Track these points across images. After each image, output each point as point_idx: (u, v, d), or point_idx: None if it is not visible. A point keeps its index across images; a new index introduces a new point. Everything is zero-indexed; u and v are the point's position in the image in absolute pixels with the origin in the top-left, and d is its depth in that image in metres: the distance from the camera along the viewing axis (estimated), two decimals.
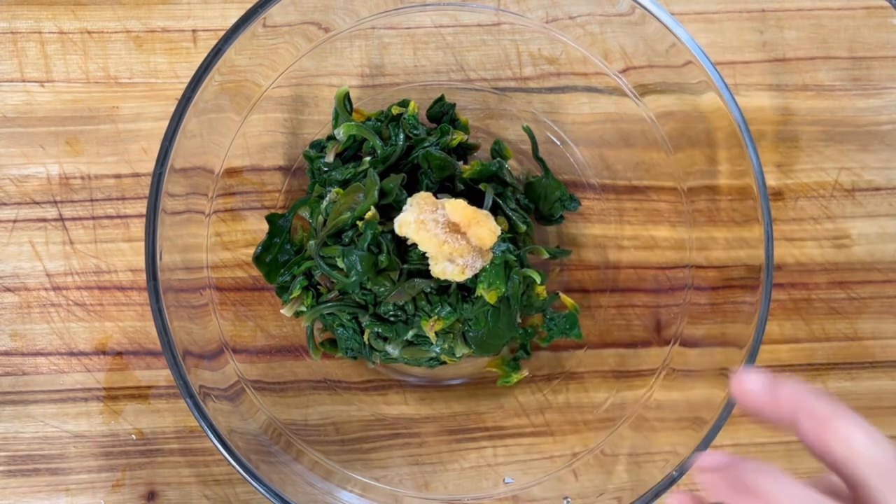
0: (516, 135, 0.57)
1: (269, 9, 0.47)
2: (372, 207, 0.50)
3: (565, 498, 0.52)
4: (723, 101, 0.48)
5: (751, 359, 0.47)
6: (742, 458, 0.36)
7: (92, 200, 0.56)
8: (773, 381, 0.35)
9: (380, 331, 0.52)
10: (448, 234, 0.48)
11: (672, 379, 0.53)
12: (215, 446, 0.45)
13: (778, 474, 0.33)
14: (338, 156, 0.54)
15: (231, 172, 0.54)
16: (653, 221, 0.56)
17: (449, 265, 0.48)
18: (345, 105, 0.54)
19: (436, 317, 0.51)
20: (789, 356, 0.59)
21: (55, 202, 0.56)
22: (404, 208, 0.49)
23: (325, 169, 0.54)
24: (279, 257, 0.55)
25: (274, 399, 0.53)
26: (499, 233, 0.49)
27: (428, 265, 0.51)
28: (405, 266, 0.51)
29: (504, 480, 0.54)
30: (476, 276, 0.51)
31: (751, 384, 0.36)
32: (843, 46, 0.60)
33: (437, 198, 0.50)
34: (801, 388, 0.35)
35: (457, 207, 0.48)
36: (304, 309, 0.53)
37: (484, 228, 0.48)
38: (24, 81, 0.56)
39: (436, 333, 0.51)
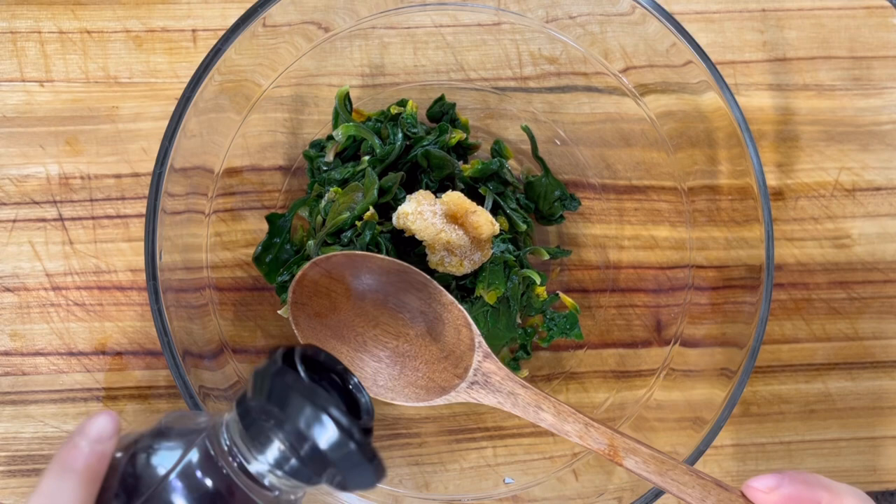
0: (516, 134, 0.57)
1: (268, 8, 0.47)
2: (371, 207, 0.50)
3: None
4: (723, 100, 0.48)
5: (751, 359, 0.47)
6: (794, 471, 0.39)
7: (91, 200, 0.56)
8: (779, 478, 0.39)
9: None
10: (445, 224, 0.48)
11: (672, 379, 0.53)
12: None
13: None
14: (337, 155, 0.54)
15: (231, 172, 0.54)
16: (653, 221, 0.56)
17: (447, 256, 0.48)
18: (345, 105, 0.54)
19: None
20: (790, 356, 0.59)
21: (55, 202, 0.56)
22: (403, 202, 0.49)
23: (325, 168, 0.54)
24: (279, 257, 0.54)
25: None
26: (497, 225, 0.49)
27: (428, 265, 0.51)
28: None
29: (504, 481, 0.54)
30: (475, 275, 0.51)
31: (759, 484, 0.39)
32: (844, 46, 0.60)
33: (436, 197, 0.50)
34: (804, 479, 0.39)
35: (454, 198, 0.48)
36: None
37: (481, 217, 0.48)
38: (23, 81, 0.56)
39: None
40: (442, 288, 0.46)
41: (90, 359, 0.55)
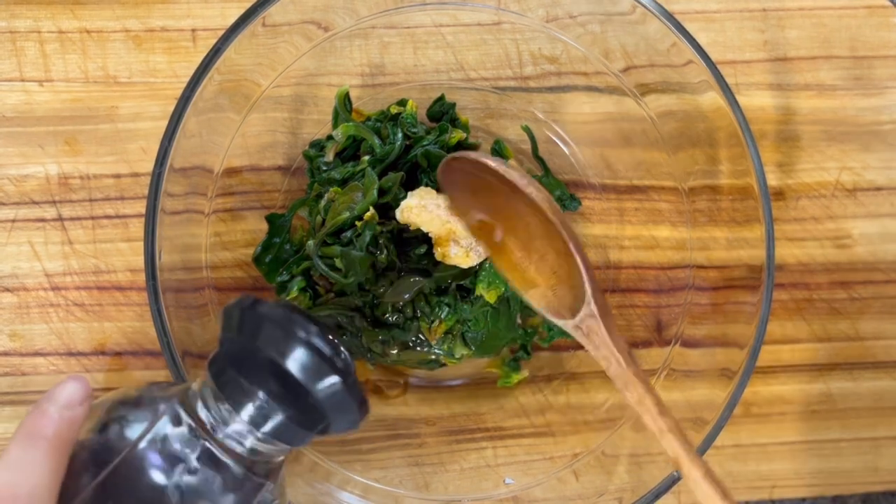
0: (516, 134, 0.57)
1: (268, 8, 0.47)
2: (371, 207, 0.50)
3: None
4: (724, 100, 0.48)
5: (752, 359, 0.47)
6: None
7: (91, 200, 0.56)
8: None
9: (379, 336, 0.52)
10: (450, 216, 0.48)
11: (673, 379, 0.52)
12: None
13: None
14: (337, 155, 0.54)
15: (230, 172, 0.54)
16: (654, 221, 0.56)
17: (453, 247, 0.48)
18: (345, 104, 0.54)
19: (437, 321, 0.51)
20: (790, 356, 0.59)
21: (54, 202, 0.56)
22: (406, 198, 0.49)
23: (325, 168, 0.54)
24: (279, 257, 0.54)
25: None
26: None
27: (428, 266, 0.51)
28: (405, 265, 0.51)
29: (504, 481, 0.54)
30: (476, 275, 0.51)
31: None
32: (845, 46, 0.60)
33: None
34: None
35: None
36: None
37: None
38: (22, 81, 0.56)
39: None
40: (572, 234, 0.46)
41: (89, 359, 0.55)
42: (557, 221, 0.46)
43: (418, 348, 0.53)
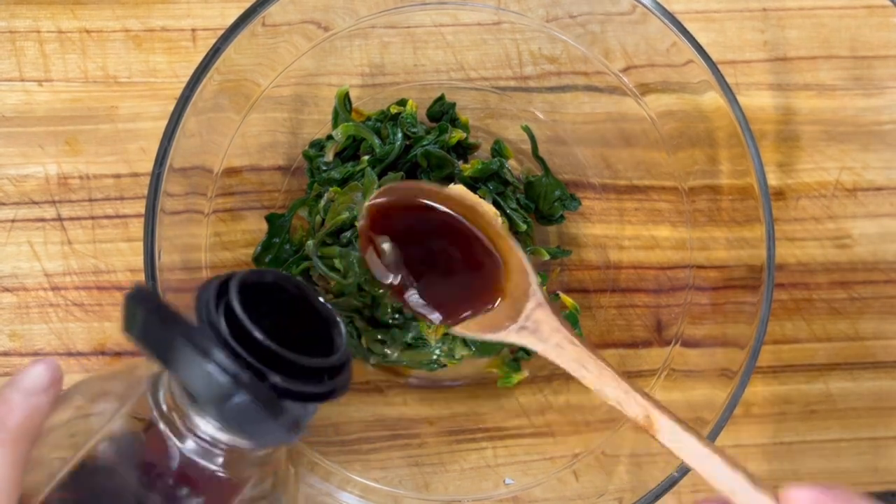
0: (516, 134, 0.57)
1: (268, 8, 0.47)
2: None
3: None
4: (724, 100, 0.48)
5: (752, 359, 0.47)
6: (838, 489, 0.35)
7: (90, 200, 0.56)
8: (822, 492, 0.35)
9: (379, 336, 0.52)
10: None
11: (673, 379, 0.52)
12: None
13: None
14: (337, 155, 0.54)
15: (230, 172, 0.54)
16: (654, 221, 0.56)
17: None
18: (345, 104, 0.54)
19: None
20: (790, 356, 0.59)
21: (54, 202, 0.56)
22: None
23: (324, 168, 0.54)
24: (279, 257, 0.54)
25: None
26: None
27: None
28: None
29: (504, 481, 0.54)
30: None
31: (800, 495, 0.35)
32: (845, 46, 0.60)
33: None
34: (847, 498, 0.35)
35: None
36: None
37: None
38: (22, 81, 0.56)
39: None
40: (506, 231, 0.46)
41: (89, 359, 0.55)
42: (495, 224, 0.45)
43: (418, 349, 0.53)
